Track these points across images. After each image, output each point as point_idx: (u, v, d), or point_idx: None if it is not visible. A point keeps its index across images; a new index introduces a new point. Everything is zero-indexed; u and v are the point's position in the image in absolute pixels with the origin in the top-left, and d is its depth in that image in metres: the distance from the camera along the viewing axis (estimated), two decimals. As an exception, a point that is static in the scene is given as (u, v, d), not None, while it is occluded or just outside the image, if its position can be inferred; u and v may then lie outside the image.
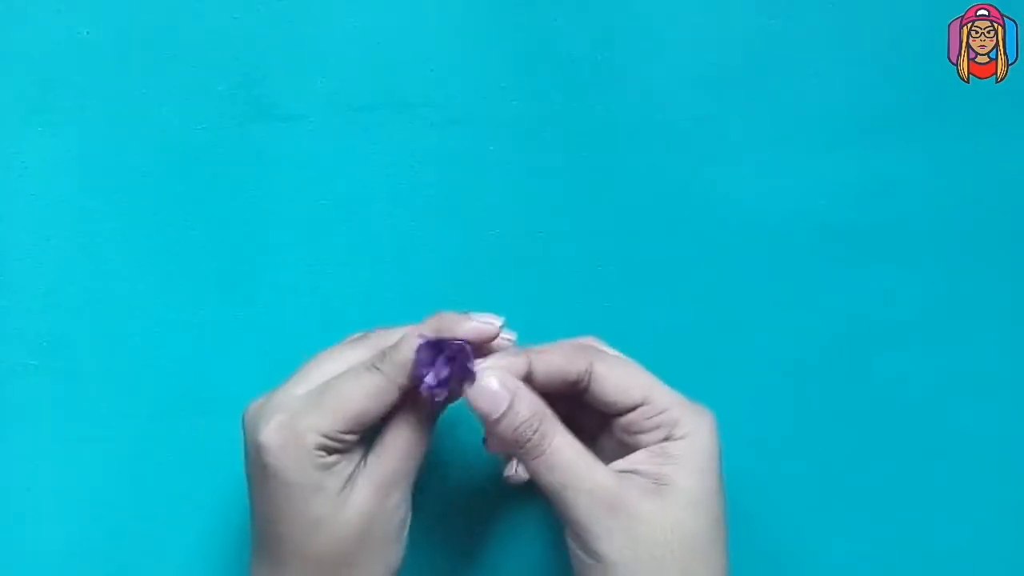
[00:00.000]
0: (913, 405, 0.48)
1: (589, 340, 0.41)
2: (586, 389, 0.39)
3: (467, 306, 0.47)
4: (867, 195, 0.48)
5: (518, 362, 0.38)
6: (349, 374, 0.37)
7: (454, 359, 0.37)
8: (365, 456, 0.38)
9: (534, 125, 0.47)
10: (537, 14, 0.47)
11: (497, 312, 0.47)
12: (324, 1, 0.47)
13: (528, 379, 0.38)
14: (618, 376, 0.39)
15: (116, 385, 0.46)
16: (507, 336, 0.38)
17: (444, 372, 0.37)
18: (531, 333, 0.47)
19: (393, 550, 0.39)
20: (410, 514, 0.39)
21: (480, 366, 0.37)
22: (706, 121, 0.48)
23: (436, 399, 0.37)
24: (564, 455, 0.37)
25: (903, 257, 0.48)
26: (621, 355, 0.41)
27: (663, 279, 0.48)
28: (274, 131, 0.47)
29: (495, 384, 0.37)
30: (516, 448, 0.37)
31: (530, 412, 0.37)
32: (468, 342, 0.37)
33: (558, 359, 0.38)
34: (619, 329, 0.47)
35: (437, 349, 0.37)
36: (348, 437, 0.37)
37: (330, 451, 0.37)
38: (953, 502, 0.48)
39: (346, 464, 0.37)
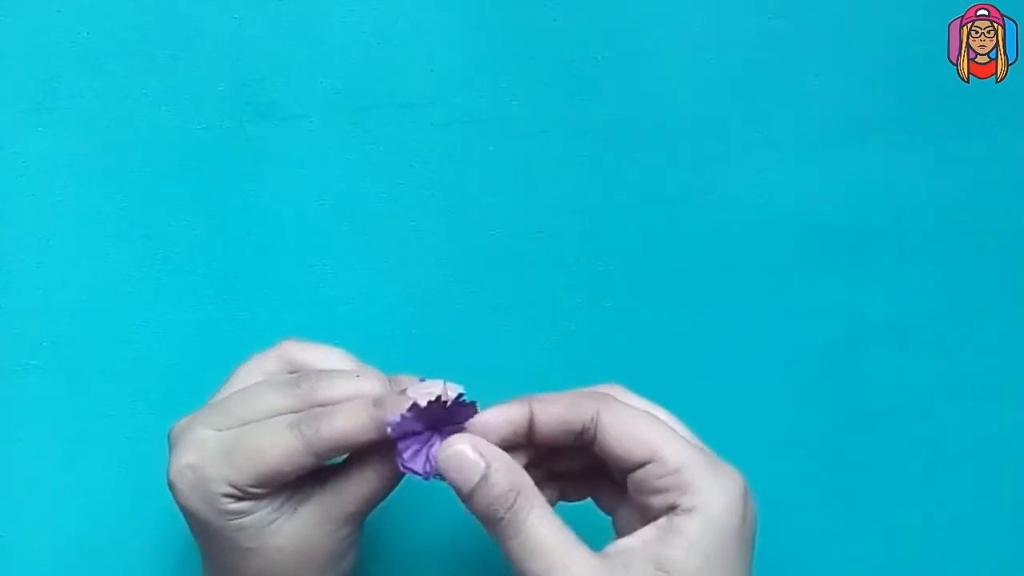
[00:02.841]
0: (913, 405, 0.48)
1: (610, 388, 0.37)
2: (593, 441, 0.34)
3: (467, 305, 0.47)
4: (867, 195, 0.48)
5: (517, 411, 0.35)
6: (268, 429, 0.34)
7: (441, 428, 0.35)
8: (307, 484, 0.36)
9: (534, 125, 0.47)
10: (537, 14, 0.47)
11: (497, 313, 0.47)
12: (324, 1, 0.47)
13: (530, 429, 0.35)
14: (625, 427, 0.34)
15: (116, 385, 0.46)
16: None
17: (429, 452, 0.35)
18: (531, 333, 0.47)
19: (339, 568, 0.37)
20: (360, 537, 0.38)
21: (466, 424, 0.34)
22: (706, 121, 0.48)
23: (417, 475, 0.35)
24: (540, 539, 0.32)
25: (903, 257, 0.48)
26: (644, 404, 0.36)
27: (663, 279, 0.48)
28: (274, 131, 0.47)
29: (468, 451, 0.33)
30: (488, 527, 0.33)
31: (507, 485, 0.33)
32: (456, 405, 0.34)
33: (561, 408, 0.35)
34: (618, 329, 0.47)
35: (422, 421, 0.34)
36: (258, 491, 0.34)
37: (240, 499, 0.35)
38: (953, 502, 0.48)
39: (269, 501, 0.35)
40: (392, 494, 0.38)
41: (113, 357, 0.46)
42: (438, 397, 0.34)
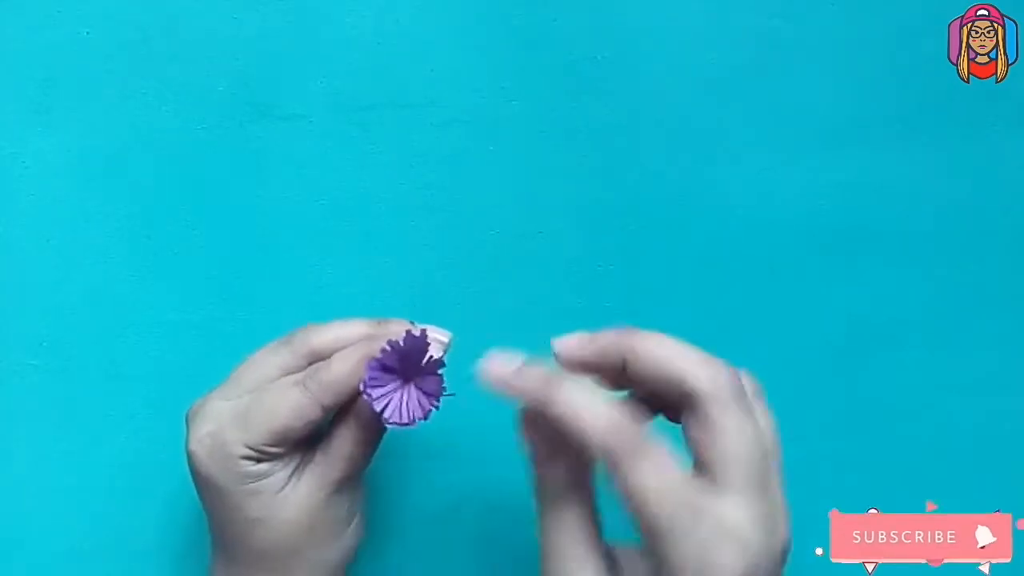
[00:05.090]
0: (913, 405, 0.48)
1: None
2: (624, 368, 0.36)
3: (467, 305, 0.47)
4: (867, 195, 0.48)
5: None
6: (275, 389, 0.37)
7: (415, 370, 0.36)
8: (309, 454, 0.39)
9: (534, 125, 0.47)
10: (537, 14, 0.47)
11: (498, 312, 0.47)
12: (324, 1, 0.47)
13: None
14: (662, 351, 0.36)
15: (116, 385, 0.46)
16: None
17: (406, 398, 0.37)
18: (531, 332, 0.47)
19: (343, 540, 0.39)
20: (361, 504, 0.40)
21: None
22: (706, 121, 0.48)
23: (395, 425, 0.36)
24: (579, 404, 0.34)
25: (903, 257, 0.48)
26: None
27: (663, 279, 0.48)
28: (274, 131, 0.47)
29: (500, 355, 0.36)
30: (534, 402, 0.35)
31: (542, 369, 0.35)
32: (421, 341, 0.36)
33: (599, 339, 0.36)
34: (619, 329, 0.47)
35: (394, 367, 0.36)
36: (274, 450, 0.37)
37: (258, 460, 0.37)
38: (953, 502, 0.48)
39: (283, 466, 0.38)
40: (396, 471, 0.39)
41: (113, 357, 0.46)
42: (409, 332, 0.36)
